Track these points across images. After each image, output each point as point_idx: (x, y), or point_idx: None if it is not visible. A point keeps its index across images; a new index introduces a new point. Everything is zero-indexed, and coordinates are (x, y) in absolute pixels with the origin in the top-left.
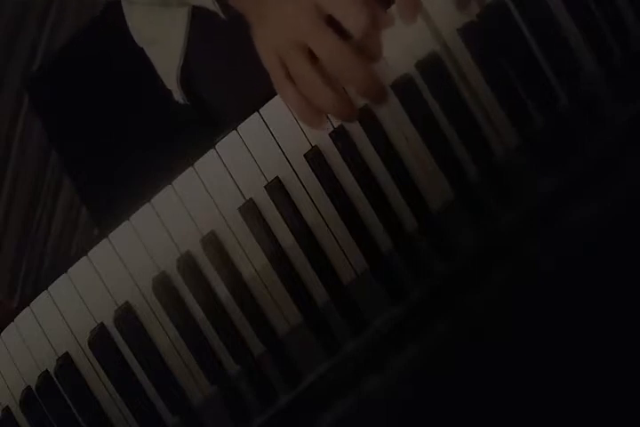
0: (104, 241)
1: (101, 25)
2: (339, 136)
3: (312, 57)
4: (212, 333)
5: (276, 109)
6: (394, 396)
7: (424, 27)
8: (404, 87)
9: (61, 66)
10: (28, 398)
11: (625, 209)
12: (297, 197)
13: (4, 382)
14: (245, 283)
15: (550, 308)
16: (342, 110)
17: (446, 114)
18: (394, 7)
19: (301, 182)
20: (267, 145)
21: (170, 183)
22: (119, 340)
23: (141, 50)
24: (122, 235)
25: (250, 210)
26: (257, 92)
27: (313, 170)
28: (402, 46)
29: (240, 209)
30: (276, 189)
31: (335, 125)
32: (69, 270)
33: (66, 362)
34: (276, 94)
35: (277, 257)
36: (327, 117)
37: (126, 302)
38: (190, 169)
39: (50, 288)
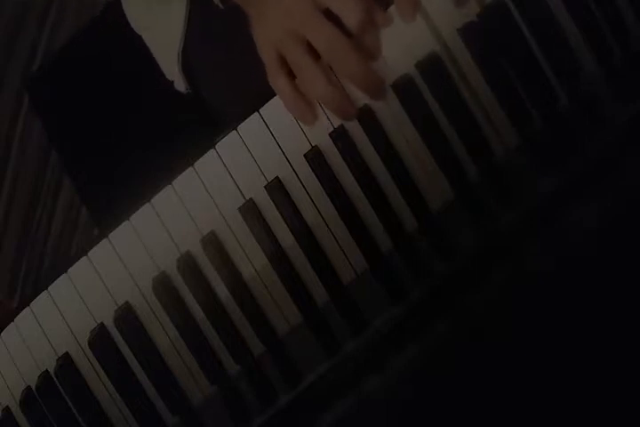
0: (104, 241)
1: (101, 25)
2: (339, 136)
3: (310, 50)
4: (212, 333)
5: (276, 109)
6: (394, 396)
7: (424, 27)
8: (404, 87)
9: (61, 66)
10: (28, 398)
11: (625, 209)
12: (297, 197)
13: (4, 382)
14: (245, 283)
15: (550, 308)
16: (339, 104)
17: (446, 114)
18: (393, 7)
19: (301, 182)
20: (267, 145)
21: (170, 183)
22: (119, 340)
23: (141, 49)
24: (122, 235)
25: (250, 210)
26: (257, 89)
27: (313, 170)
28: (402, 46)
29: (240, 209)
30: (276, 189)
31: (335, 125)
32: (69, 270)
33: (66, 362)
34: (276, 94)
35: (277, 257)
36: (325, 113)
37: (126, 302)
38: (190, 169)
39: (50, 288)
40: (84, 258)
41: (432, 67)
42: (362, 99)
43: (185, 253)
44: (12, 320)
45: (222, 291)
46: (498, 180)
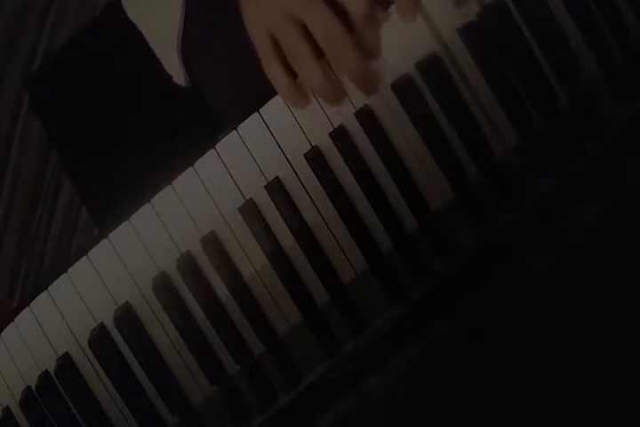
0: (104, 241)
1: (101, 25)
2: (339, 136)
3: (306, 35)
4: (212, 333)
5: (276, 109)
6: (394, 396)
7: (424, 27)
8: (404, 87)
9: (61, 66)
10: (28, 398)
11: (625, 209)
12: (297, 197)
13: (4, 382)
14: (245, 283)
15: (550, 308)
16: (331, 92)
17: (446, 114)
18: (393, 7)
19: (301, 182)
20: (267, 145)
21: (170, 183)
22: (119, 340)
23: (142, 49)
24: (122, 235)
25: (250, 210)
26: (257, 89)
27: (313, 170)
28: (402, 46)
29: (240, 209)
30: (276, 189)
31: (335, 125)
32: (69, 270)
33: (66, 362)
34: (276, 94)
35: (277, 257)
36: (325, 113)
37: (126, 302)
38: (190, 169)
39: (50, 288)
40: (83, 258)
41: (432, 67)
42: (362, 99)
43: (185, 253)
44: (12, 320)
45: (222, 291)
46: (498, 180)
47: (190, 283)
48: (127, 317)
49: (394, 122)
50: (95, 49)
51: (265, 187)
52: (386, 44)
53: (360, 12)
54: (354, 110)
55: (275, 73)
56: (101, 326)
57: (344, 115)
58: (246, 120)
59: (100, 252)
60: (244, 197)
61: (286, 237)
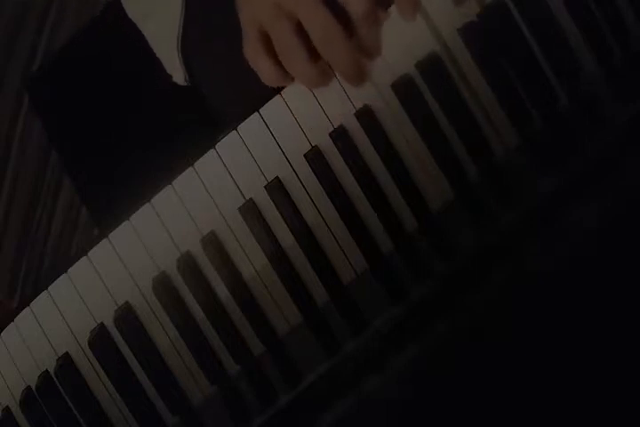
0: (104, 241)
1: (101, 25)
2: (339, 136)
3: (298, 31)
4: (212, 333)
5: (276, 109)
6: (394, 396)
7: (424, 27)
8: (404, 87)
9: (61, 66)
10: (28, 398)
11: (625, 209)
12: (297, 197)
13: (4, 382)
14: (245, 283)
15: (550, 308)
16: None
17: (446, 114)
18: (393, 6)
19: (301, 182)
20: (267, 145)
21: (170, 183)
22: (119, 340)
23: (142, 49)
24: (122, 235)
25: (250, 210)
26: (257, 89)
27: (313, 170)
28: (402, 46)
29: (240, 209)
30: (276, 189)
31: (335, 125)
32: (69, 270)
33: (66, 362)
34: (276, 94)
35: (277, 257)
36: (325, 113)
37: (126, 302)
38: (190, 169)
39: (50, 288)
40: (84, 258)
41: (432, 67)
42: (362, 99)
43: (185, 253)
44: (12, 320)
45: (222, 291)
46: (498, 180)
47: (190, 283)
48: (127, 317)
49: (394, 122)
50: (95, 49)
51: (265, 187)
52: (386, 43)
53: (360, 12)
54: (354, 110)
55: (260, 63)
56: (101, 326)
57: (344, 115)
58: (246, 120)
59: (99, 252)
60: (244, 197)
61: (286, 237)
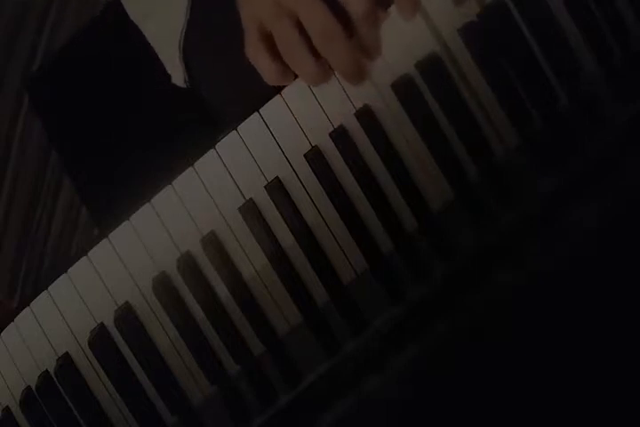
0: (104, 241)
1: (101, 25)
2: (339, 136)
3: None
4: (212, 333)
5: (276, 109)
6: (394, 396)
7: (424, 27)
8: (404, 87)
9: (61, 66)
10: (28, 398)
11: (625, 209)
12: (297, 197)
13: (4, 382)
14: (245, 283)
15: (550, 308)
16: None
17: (446, 114)
18: (393, 6)
19: (301, 182)
20: (267, 145)
21: (170, 183)
22: (119, 340)
23: (142, 49)
24: (122, 235)
25: (250, 210)
26: (257, 89)
27: (313, 170)
28: (402, 46)
29: (240, 209)
30: (276, 189)
31: (335, 125)
32: (69, 270)
33: (66, 362)
34: (276, 94)
35: (277, 257)
36: (325, 113)
37: (126, 302)
38: (190, 169)
39: (50, 288)
40: (84, 258)
41: (432, 67)
42: (362, 99)
43: (185, 253)
44: (12, 320)
45: (222, 291)
46: (498, 180)
47: (190, 283)
48: (127, 317)
49: (394, 122)
50: (95, 49)
51: (265, 187)
52: (386, 43)
53: (360, 12)
54: (354, 110)
55: (260, 59)
56: (101, 326)
57: (344, 115)
58: (246, 120)
59: (100, 252)
60: (244, 197)
61: (286, 237)
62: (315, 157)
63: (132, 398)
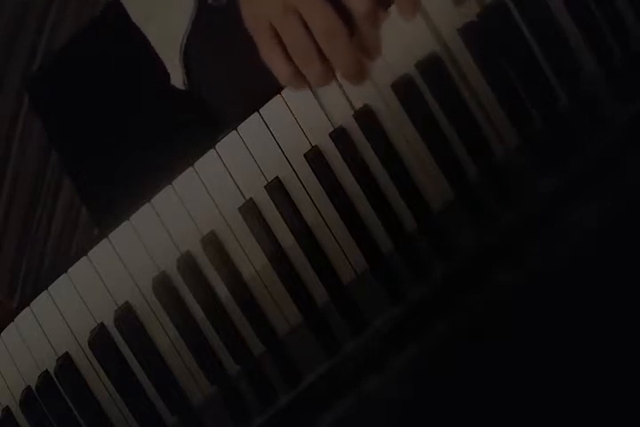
0: (104, 241)
1: (101, 25)
2: (339, 136)
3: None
4: (212, 333)
5: (276, 109)
6: (394, 396)
7: (424, 27)
8: (404, 87)
9: (61, 66)
10: (28, 398)
11: (625, 209)
12: (297, 197)
13: (4, 382)
14: (245, 283)
15: (550, 308)
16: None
17: (446, 114)
18: (394, 6)
19: (301, 182)
20: (267, 145)
21: (170, 183)
22: (119, 340)
23: (142, 49)
24: (122, 235)
25: (250, 210)
26: (257, 89)
27: (313, 170)
28: (402, 46)
29: (240, 209)
30: (276, 189)
31: (335, 125)
32: (69, 270)
33: (66, 362)
34: (276, 94)
35: (277, 257)
36: (325, 113)
37: (126, 302)
38: (190, 169)
39: (50, 288)
40: (84, 258)
41: (432, 67)
42: (362, 99)
43: (185, 253)
44: (12, 320)
45: (222, 291)
46: (498, 180)
47: (190, 283)
48: (127, 317)
49: (394, 122)
50: (95, 49)
51: (265, 187)
52: (386, 43)
53: (363, 11)
54: (354, 110)
55: (275, 61)
56: (101, 326)
57: (344, 115)
58: (246, 120)
59: (100, 252)
60: (244, 197)
61: (286, 237)
62: (315, 157)
63: (132, 398)
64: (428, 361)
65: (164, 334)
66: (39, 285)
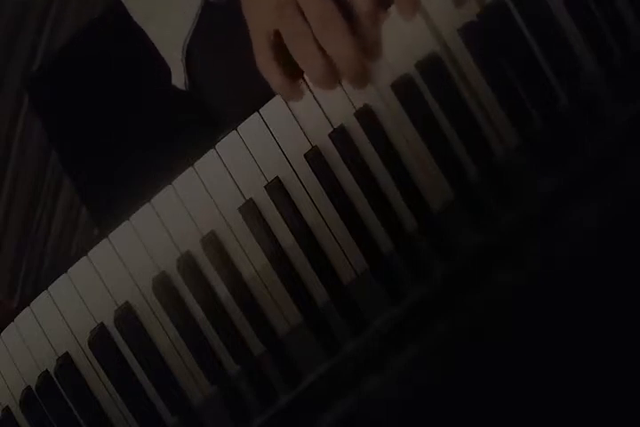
0: (104, 241)
1: (101, 25)
2: (339, 136)
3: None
4: (212, 333)
5: (276, 109)
6: (394, 396)
7: (424, 27)
8: (404, 87)
9: (61, 66)
10: (28, 398)
11: (625, 209)
12: (297, 197)
13: (4, 382)
14: (245, 283)
15: (550, 308)
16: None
17: (446, 114)
18: (393, 6)
19: (301, 182)
20: (267, 145)
21: (170, 183)
22: (119, 340)
23: (142, 49)
24: (122, 235)
25: (250, 210)
26: (257, 89)
27: (313, 170)
28: (402, 46)
29: (240, 209)
30: (276, 189)
31: (335, 125)
32: (69, 270)
33: (66, 362)
34: (276, 94)
35: (277, 257)
36: (324, 113)
37: (126, 302)
38: (190, 169)
39: (50, 288)
40: (83, 258)
41: (432, 67)
42: (362, 99)
43: (185, 253)
44: (12, 320)
45: (222, 291)
46: (498, 180)
47: (190, 283)
48: (127, 317)
49: (394, 122)
50: (95, 49)
51: (265, 187)
52: (386, 43)
53: (365, 10)
54: (354, 110)
55: (268, 66)
56: (101, 326)
57: (344, 115)
58: (246, 120)
59: (100, 252)
60: (244, 197)
61: (286, 237)
62: (315, 157)
63: (132, 398)
64: (427, 361)
65: (163, 334)
66: (39, 285)
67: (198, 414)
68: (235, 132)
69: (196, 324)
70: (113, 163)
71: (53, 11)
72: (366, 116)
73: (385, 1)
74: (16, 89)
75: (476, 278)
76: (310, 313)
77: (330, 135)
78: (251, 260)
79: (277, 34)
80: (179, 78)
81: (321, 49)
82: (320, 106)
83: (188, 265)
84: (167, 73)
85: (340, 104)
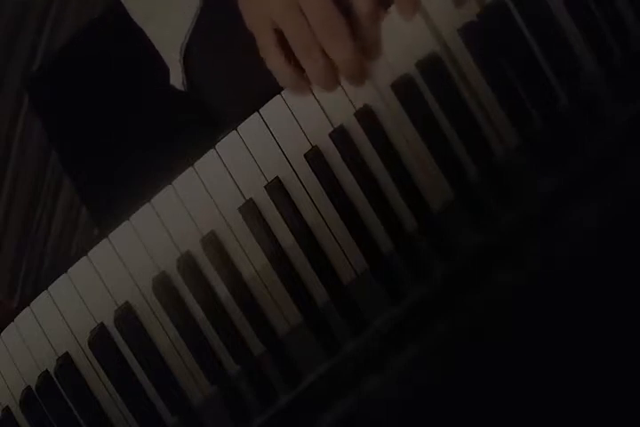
0: (104, 241)
1: (101, 25)
2: (339, 136)
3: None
4: (212, 333)
5: (276, 109)
6: (394, 396)
7: (424, 27)
8: (404, 87)
9: (61, 66)
10: (28, 398)
11: (625, 209)
12: (297, 197)
13: (4, 382)
14: (245, 283)
15: (550, 308)
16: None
17: (446, 114)
18: (393, 6)
19: (301, 182)
20: (267, 145)
21: (170, 183)
22: (119, 340)
23: (142, 49)
24: (122, 235)
25: (250, 210)
26: (257, 89)
27: (313, 170)
28: (402, 46)
29: (240, 209)
30: (276, 189)
31: (335, 125)
32: (69, 270)
33: (66, 362)
34: (276, 94)
35: (277, 257)
36: (324, 113)
37: (126, 302)
38: (190, 169)
39: (50, 288)
40: (84, 258)
41: (432, 67)
42: (362, 99)
43: (185, 253)
44: (12, 320)
45: (222, 291)
46: (498, 180)
47: (190, 283)
48: (127, 317)
49: (394, 122)
50: (95, 49)
51: (265, 187)
52: (386, 43)
53: (366, 11)
54: (354, 110)
55: (275, 61)
56: (101, 326)
57: (344, 115)
58: (246, 120)
59: (100, 252)
60: (244, 197)
61: (286, 237)
62: (315, 157)
63: (132, 398)
64: (427, 361)
65: (163, 334)
66: (39, 285)
67: (198, 414)
68: (235, 132)
69: (196, 324)
70: (113, 163)
71: (53, 11)
72: (366, 116)
73: (385, 1)
74: (16, 89)
75: (476, 278)
76: (310, 313)
77: (330, 135)
78: (251, 260)
79: (280, 32)
80: (177, 78)
81: (323, 51)
82: (320, 106)
83: (188, 265)
84: (167, 73)
85: (340, 104)
